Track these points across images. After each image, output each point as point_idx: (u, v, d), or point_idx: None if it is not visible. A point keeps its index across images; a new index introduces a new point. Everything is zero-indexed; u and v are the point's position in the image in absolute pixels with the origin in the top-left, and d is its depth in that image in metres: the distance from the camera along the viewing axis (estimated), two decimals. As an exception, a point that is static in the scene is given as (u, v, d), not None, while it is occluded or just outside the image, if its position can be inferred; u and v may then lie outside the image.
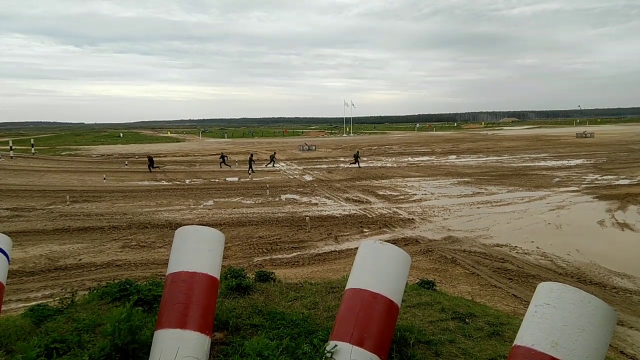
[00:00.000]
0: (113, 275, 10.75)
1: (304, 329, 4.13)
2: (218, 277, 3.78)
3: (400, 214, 17.48)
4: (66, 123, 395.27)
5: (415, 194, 21.76)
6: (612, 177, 25.78)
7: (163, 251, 12.79)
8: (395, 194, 22.02)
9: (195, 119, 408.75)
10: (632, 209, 17.46)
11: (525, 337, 2.64)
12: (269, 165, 35.02)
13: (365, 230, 15.34)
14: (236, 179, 28.78)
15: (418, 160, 38.46)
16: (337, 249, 13.18)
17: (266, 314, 4.57)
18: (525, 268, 11.19)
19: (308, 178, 28.57)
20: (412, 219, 16.71)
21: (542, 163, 33.74)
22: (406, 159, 39.79)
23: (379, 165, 35.24)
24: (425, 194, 21.75)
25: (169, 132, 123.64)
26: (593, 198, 19.78)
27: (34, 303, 6.92)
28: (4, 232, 4.24)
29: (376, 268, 3.52)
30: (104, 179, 28.20)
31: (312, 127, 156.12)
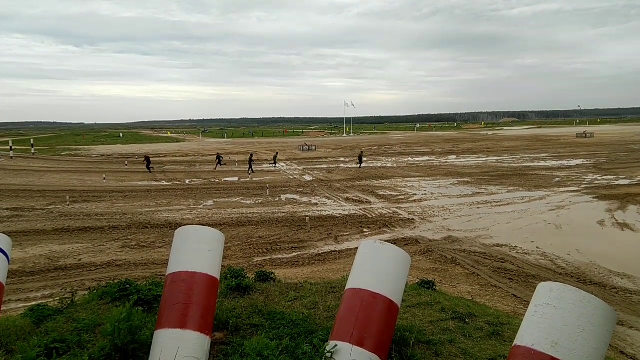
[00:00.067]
0: (113, 275, 10.75)
1: (304, 329, 4.13)
2: (218, 277, 3.77)
3: (400, 214, 17.48)
4: (66, 123, 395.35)
5: (415, 194, 21.76)
6: (612, 177, 25.79)
7: (163, 251, 12.79)
8: (395, 194, 22.02)
9: (195, 119, 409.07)
10: (632, 209, 17.47)
11: (525, 337, 2.64)
12: (274, 166, 35.04)
13: (365, 230, 15.34)
14: (236, 179, 28.78)
15: (418, 161, 38.47)
16: (337, 249, 13.18)
17: (266, 314, 4.57)
18: (525, 268, 11.19)
19: (308, 178, 28.57)
20: (412, 219, 16.71)
21: (542, 163, 33.74)
22: (406, 159, 39.80)
23: (379, 165, 35.23)
24: (425, 194, 21.75)
25: (168, 132, 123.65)
26: (593, 198, 19.78)
27: (33, 303, 6.92)
28: (3, 232, 4.24)
29: (376, 268, 3.52)
30: (104, 179, 28.20)
31: (312, 127, 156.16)
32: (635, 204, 18.24)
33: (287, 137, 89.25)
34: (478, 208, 18.38)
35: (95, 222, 16.51)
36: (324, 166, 35.34)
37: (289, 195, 22.22)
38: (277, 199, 21.25)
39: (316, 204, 20.07)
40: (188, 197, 22.15)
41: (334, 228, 15.52)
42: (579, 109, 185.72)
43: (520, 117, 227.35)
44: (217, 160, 34.96)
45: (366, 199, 20.73)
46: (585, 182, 24.08)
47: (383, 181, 26.36)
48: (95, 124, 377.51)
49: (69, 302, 5.00)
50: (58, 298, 5.16)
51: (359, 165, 33.50)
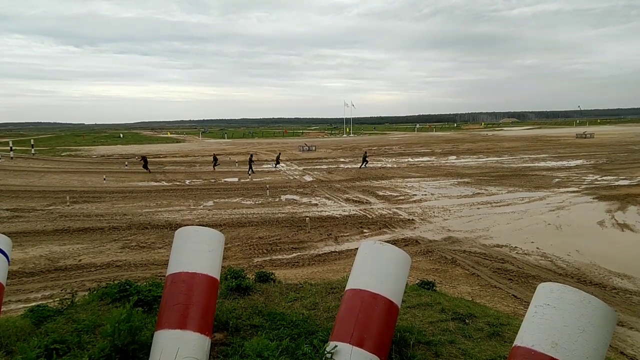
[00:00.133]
0: (113, 276, 10.74)
1: (304, 329, 4.13)
2: (218, 278, 3.77)
3: (400, 215, 17.48)
4: (66, 124, 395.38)
5: (415, 195, 21.76)
6: (612, 177, 25.79)
7: (163, 252, 12.78)
8: (395, 194, 22.03)
9: (195, 119, 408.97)
10: (632, 210, 17.47)
11: (525, 337, 2.64)
12: (277, 166, 35.04)
13: (365, 230, 15.33)
14: (236, 179, 28.78)
15: (418, 161, 38.47)
16: (337, 250, 13.17)
17: (266, 315, 4.57)
18: (525, 269, 11.19)
19: (308, 179, 28.57)
20: (412, 219, 16.71)
21: (542, 164, 33.75)
22: (406, 160, 39.81)
23: (379, 165, 35.23)
24: (425, 195, 21.75)
25: (168, 133, 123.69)
26: (593, 199, 19.78)
27: (33, 304, 6.92)
28: (3, 233, 4.24)
29: (376, 269, 3.52)
30: (104, 179, 28.20)
31: (312, 128, 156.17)
32: (635, 205, 18.24)
33: (287, 138, 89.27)
34: (478, 208, 18.38)
35: (95, 223, 16.51)
36: (324, 167, 35.35)
37: (289, 196, 22.22)
38: (277, 200, 21.25)
39: (316, 204, 20.07)
40: (188, 197, 22.15)
41: (334, 228, 15.52)
42: (578, 109, 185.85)
43: (520, 118, 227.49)
44: (214, 161, 34.99)
45: (366, 200, 20.73)
46: (585, 183, 24.08)
47: (383, 182, 26.37)
48: (95, 124, 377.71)
49: (69, 303, 5.00)
50: (58, 299, 5.15)
51: (364, 165, 33.51)
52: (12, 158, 41.85)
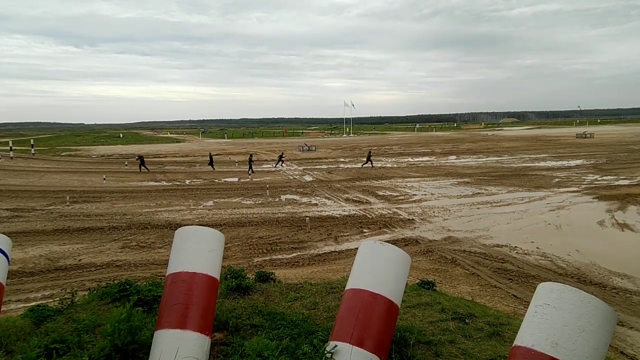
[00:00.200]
0: (113, 275, 10.74)
1: (304, 329, 4.13)
2: (218, 278, 3.78)
3: (400, 215, 17.48)
4: (66, 123, 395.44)
5: (415, 195, 21.76)
6: (612, 177, 25.79)
7: (163, 251, 12.78)
8: (395, 194, 22.03)
9: (195, 119, 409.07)
10: (632, 210, 17.47)
11: (525, 337, 2.65)
12: (278, 165, 35.06)
13: (365, 230, 15.33)
14: (236, 179, 28.79)
15: (418, 161, 38.47)
16: (337, 250, 13.17)
17: (266, 315, 4.57)
18: (525, 268, 11.18)
19: (308, 178, 28.57)
20: (412, 219, 16.71)
21: (542, 163, 33.75)
22: (406, 160, 39.81)
23: (379, 165, 35.22)
24: (425, 195, 21.75)
25: (168, 133, 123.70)
26: (593, 198, 19.78)
27: (33, 303, 6.92)
28: (3, 233, 4.24)
29: (376, 268, 3.52)
30: (104, 179, 28.20)
31: (312, 128, 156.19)
32: (635, 204, 18.24)
33: (287, 138, 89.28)
34: (478, 208, 18.38)
35: (95, 223, 16.51)
36: (324, 166, 35.34)
37: (288, 196, 22.22)
38: (277, 200, 21.25)
39: (316, 204, 20.07)
40: (188, 197, 22.15)
41: (334, 228, 15.51)
42: (578, 109, 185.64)
43: (520, 118, 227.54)
44: (210, 161, 34.97)
45: (366, 200, 20.73)
46: (585, 183, 24.08)
47: (383, 181, 26.36)
48: (95, 124, 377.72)
49: (68, 303, 5.00)
50: (58, 298, 5.16)
51: (370, 165, 33.51)
52: (12, 158, 41.85)
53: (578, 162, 34.15)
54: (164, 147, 63.56)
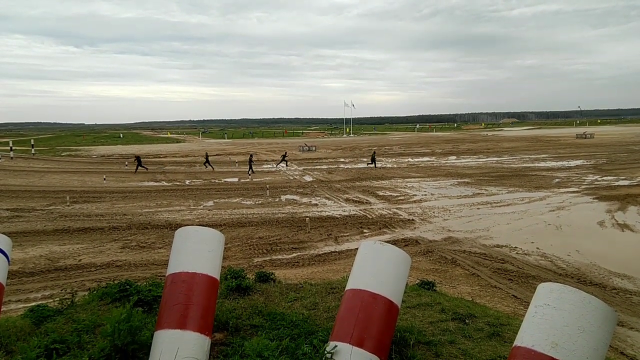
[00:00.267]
0: (113, 275, 10.74)
1: (304, 329, 4.13)
2: (218, 278, 3.78)
3: (400, 215, 17.48)
4: (66, 124, 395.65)
5: (415, 195, 21.76)
6: (612, 177, 25.78)
7: (163, 252, 12.78)
8: (395, 194, 22.02)
9: (195, 119, 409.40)
10: (632, 210, 17.46)
11: (525, 337, 2.64)
12: (280, 165, 35.09)
13: (365, 230, 15.33)
14: (236, 179, 28.79)
15: (418, 161, 38.47)
16: (337, 250, 13.17)
17: (266, 315, 4.57)
18: (525, 269, 11.18)
19: (308, 179, 28.57)
20: (412, 219, 16.71)
21: (542, 164, 33.75)
22: (406, 160, 39.81)
23: (379, 165, 35.23)
24: (425, 195, 21.75)
25: (168, 133, 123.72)
26: (593, 199, 19.78)
27: (33, 304, 6.92)
28: (3, 233, 4.24)
29: (376, 269, 3.52)
30: (104, 179, 28.20)
31: (312, 128, 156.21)
32: (635, 205, 18.23)
33: (287, 138, 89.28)
34: (478, 209, 18.38)
35: (95, 223, 16.51)
36: (324, 167, 35.35)
37: (289, 196, 22.22)
38: (277, 200, 21.25)
39: (316, 204, 20.07)
40: (188, 197, 22.15)
41: (334, 229, 15.51)
42: (579, 109, 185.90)
43: (520, 118, 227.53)
44: (206, 160, 34.89)
45: (366, 200, 20.73)
46: (585, 183, 24.08)
47: (383, 182, 26.36)
48: (96, 124, 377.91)
49: (68, 303, 5.00)
50: (58, 299, 5.16)
51: (373, 165, 33.52)
52: (12, 158, 41.86)
53: (578, 162, 34.15)
54: (164, 147, 63.57)
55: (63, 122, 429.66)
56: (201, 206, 19.96)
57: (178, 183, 27.54)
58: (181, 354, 3.21)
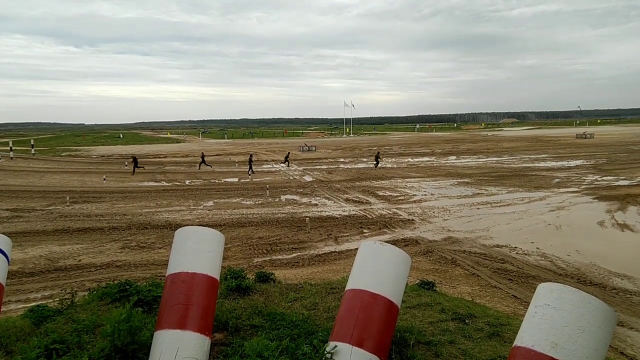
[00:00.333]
0: (113, 276, 10.74)
1: (303, 329, 4.13)
2: (218, 278, 3.77)
3: (400, 215, 17.48)
4: (66, 124, 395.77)
5: (415, 195, 21.76)
6: (612, 177, 25.79)
7: (163, 252, 12.78)
8: (395, 194, 22.02)
9: (195, 119, 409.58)
10: (631, 210, 17.46)
11: (525, 337, 2.64)
12: (281, 165, 35.14)
13: (365, 231, 15.33)
14: (236, 179, 28.79)
15: (418, 161, 38.47)
16: (337, 250, 13.17)
17: (266, 315, 4.57)
18: (525, 269, 11.18)
19: (308, 179, 28.57)
20: (412, 219, 16.71)
21: (542, 164, 33.75)
22: (406, 160, 39.81)
23: (379, 165, 35.23)
24: (425, 195, 21.75)
25: (168, 133, 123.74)
26: (593, 199, 19.78)
27: (33, 304, 6.92)
28: (3, 233, 4.24)
29: (376, 269, 3.52)
30: (104, 179, 28.20)
31: (312, 128, 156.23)
32: (635, 205, 18.24)
33: (287, 138, 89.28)
34: (478, 209, 18.38)
35: (95, 223, 16.51)
36: (324, 167, 35.35)
37: (288, 196, 22.22)
38: (277, 200, 21.25)
39: (316, 204, 20.06)
40: (188, 197, 22.15)
41: (334, 229, 15.51)
42: (578, 109, 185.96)
43: (520, 118, 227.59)
44: (202, 160, 34.71)
45: (366, 200, 20.73)
46: (585, 183, 24.08)
47: (383, 182, 26.36)
48: (95, 124, 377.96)
49: (68, 303, 5.00)
50: (58, 299, 5.15)
51: (377, 165, 33.54)
52: (12, 158, 41.86)
53: (578, 162, 34.16)
54: (164, 147, 63.57)
55: (63, 122, 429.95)
56: (201, 206, 19.95)
57: (178, 183, 27.54)
58: (181, 354, 3.21)
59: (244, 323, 4.37)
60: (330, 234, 14.81)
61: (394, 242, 13.18)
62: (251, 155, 34.93)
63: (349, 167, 35.11)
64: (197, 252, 3.66)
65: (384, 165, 35.31)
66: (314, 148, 52.35)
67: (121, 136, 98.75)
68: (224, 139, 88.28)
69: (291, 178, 29.15)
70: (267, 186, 24.17)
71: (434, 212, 17.86)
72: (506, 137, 72.34)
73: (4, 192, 22.99)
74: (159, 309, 3.58)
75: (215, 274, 3.70)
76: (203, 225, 4.58)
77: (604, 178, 25.70)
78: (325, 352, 3.23)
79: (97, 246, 13.60)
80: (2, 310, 4.37)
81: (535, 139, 64.15)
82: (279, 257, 12.66)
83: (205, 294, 3.55)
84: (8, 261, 4.05)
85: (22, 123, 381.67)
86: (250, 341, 3.52)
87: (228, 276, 5.54)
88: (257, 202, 20.66)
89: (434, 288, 6.34)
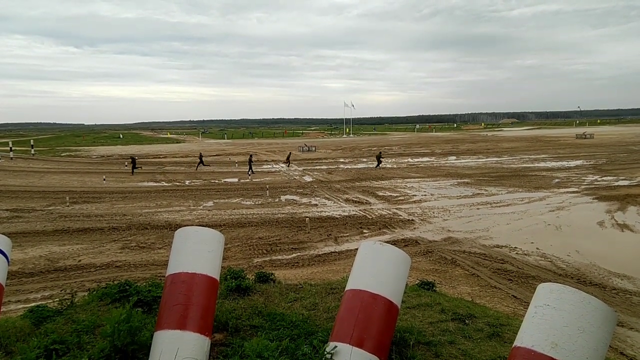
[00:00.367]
0: (113, 276, 10.74)
1: (303, 330, 4.13)
2: (218, 278, 3.77)
3: (400, 215, 17.48)
4: (66, 124, 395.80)
5: (415, 195, 21.76)
6: (611, 178, 25.79)
7: (163, 252, 12.78)
8: (395, 195, 22.03)
9: (195, 119, 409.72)
10: (631, 210, 17.47)
11: (525, 338, 2.64)
12: (281, 165, 35.15)
13: (365, 231, 15.33)
14: (236, 180, 28.78)
15: (418, 161, 38.47)
16: (336, 250, 13.17)
17: (266, 315, 4.57)
18: (525, 269, 11.18)
19: (308, 179, 28.57)
20: (412, 219, 16.71)
21: (542, 164, 33.75)
22: (406, 160, 39.81)
23: (380, 166, 35.22)
24: (425, 195, 21.75)
25: (168, 133, 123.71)
26: (593, 199, 19.78)
27: (33, 304, 6.92)
28: (3, 233, 4.24)
29: (376, 269, 3.52)
30: (104, 179, 28.20)
31: (312, 128, 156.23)
32: (635, 205, 18.24)
33: (287, 138, 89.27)
34: (478, 209, 18.38)
35: (95, 223, 16.50)
36: (324, 167, 35.35)
37: (288, 196, 22.22)
38: (276, 200, 21.25)
39: (316, 204, 20.06)
40: (188, 198, 22.15)
41: (334, 229, 15.51)
42: (578, 109, 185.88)
43: (520, 118, 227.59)
44: (199, 161, 34.61)
45: (366, 200, 20.73)
46: (585, 183, 24.08)
47: (383, 182, 26.36)
48: (95, 124, 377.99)
49: (68, 303, 5.00)
50: (58, 299, 5.15)
51: (376, 165, 33.54)
52: (11, 158, 41.85)
53: (578, 162, 34.16)
54: (164, 147, 63.56)
55: (63, 123, 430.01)
56: (201, 206, 19.95)
57: (178, 183, 27.54)
58: (181, 355, 3.21)
59: (244, 323, 4.36)
60: (330, 234, 14.81)
61: (394, 243, 13.18)
62: (251, 156, 34.93)
63: (349, 167, 35.11)
64: (197, 253, 3.66)
65: (384, 166, 35.30)
66: (313, 148, 52.36)
67: (121, 136, 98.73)
68: (224, 139, 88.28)
69: (291, 178, 29.14)
70: (267, 186, 24.17)
71: (433, 213, 17.86)
72: (506, 138, 72.34)
73: (4, 193, 22.98)
74: (159, 309, 3.58)
75: (215, 274, 3.70)
76: (203, 226, 4.59)
77: (604, 178, 25.70)
78: (325, 353, 3.23)
79: (97, 246, 13.59)
80: (2, 310, 4.37)
81: (535, 139, 64.15)
82: (279, 257, 12.66)
83: (205, 294, 3.55)
84: (8, 261, 4.05)
85: (22, 123, 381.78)
86: (250, 341, 3.52)
87: (228, 276, 5.54)
88: (257, 203, 20.66)
89: (434, 288, 6.34)
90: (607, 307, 2.58)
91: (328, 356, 3.21)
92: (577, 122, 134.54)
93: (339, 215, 17.71)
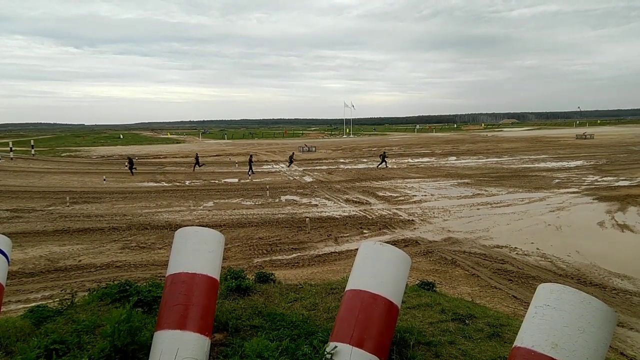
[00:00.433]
0: (113, 276, 10.74)
1: (303, 330, 4.13)
2: (218, 278, 3.77)
3: (400, 215, 17.47)
4: (66, 124, 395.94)
5: (415, 195, 21.76)
6: (611, 178, 25.78)
7: (163, 252, 12.78)
8: (395, 195, 22.03)
9: (195, 120, 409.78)
10: (632, 210, 17.46)
11: (525, 338, 2.64)
12: (281, 165, 35.19)
13: (365, 231, 15.33)
14: (236, 180, 28.79)
15: (418, 162, 38.47)
16: (337, 250, 13.17)
17: (266, 315, 4.57)
18: (525, 269, 11.18)
19: (308, 179, 28.57)
20: (412, 220, 16.71)
21: (542, 164, 33.75)
22: (406, 160, 39.80)
23: (381, 166, 35.21)
24: (425, 195, 21.75)
25: (168, 134, 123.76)
26: (593, 199, 19.78)
27: (33, 304, 6.91)
28: (3, 233, 4.24)
29: (376, 269, 3.52)
30: (104, 180, 28.20)
31: (312, 129, 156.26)
32: (635, 205, 18.23)
33: (287, 139, 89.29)
34: (478, 209, 18.38)
35: (95, 223, 16.51)
36: (324, 167, 35.35)
37: (288, 197, 22.22)
38: (277, 200, 21.25)
39: (316, 205, 20.07)
40: (188, 198, 22.15)
41: (334, 229, 15.51)
42: (578, 110, 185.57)
43: (520, 119, 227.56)
44: (196, 162, 34.37)
45: (366, 200, 20.73)
46: (585, 184, 24.08)
47: (383, 182, 26.36)
48: (95, 125, 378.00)
49: (68, 303, 5.00)
50: (58, 299, 5.15)
51: (383, 166, 33.50)
52: (12, 159, 41.86)
53: (578, 163, 34.15)
54: (164, 147, 63.58)
55: (63, 123, 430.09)
56: (201, 207, 19.95)
57: (178, 183, 27.54)
58: (181, 355, 3.21)
59: (244, 323, 4.36)
60: (330, 235, 14.81)
61: (394, 243, 13.18)
62: (251, 156, 34.94)
63: (349, 167, 35.11)
64: (197, 253, 3.66)
65: (384, 166, 35.30)
66: (314, 149, 52.37)
67: (121, 137, 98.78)
68: (224, 139, 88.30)
69: (291, 179, 29.15)
70: (267, 187, 24.18)
71: (434, 213, 17.86)
72: (506, 138, 72.33)
73: (4, 193, 22.99)
74: (159, 310, 3.58)
75: (215, 274, 3.70)
76: (203, 226, 4.59)
77: (604, 179, 25.70)
78: (325, 353, 3.23)
79: (97, 247, 13.60)
80: (2, 310, 4.37)
81: (535, 140, 64.14)
82: (279, 257, 12.66)
83: (205, 295, 3.55)
84: (8, 261, 4.05)
85: (22, 123, 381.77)
86: (250, 342, 3.52)
87: (228, 276, 5.54)
88: (257, 203, 20.66)
89: (434, 288, 6.34)
90: (607, 307, 2.58)
91: (328, 356, 3.21)
92: (577, 122, 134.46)
93: (339, 215, 17.71)
